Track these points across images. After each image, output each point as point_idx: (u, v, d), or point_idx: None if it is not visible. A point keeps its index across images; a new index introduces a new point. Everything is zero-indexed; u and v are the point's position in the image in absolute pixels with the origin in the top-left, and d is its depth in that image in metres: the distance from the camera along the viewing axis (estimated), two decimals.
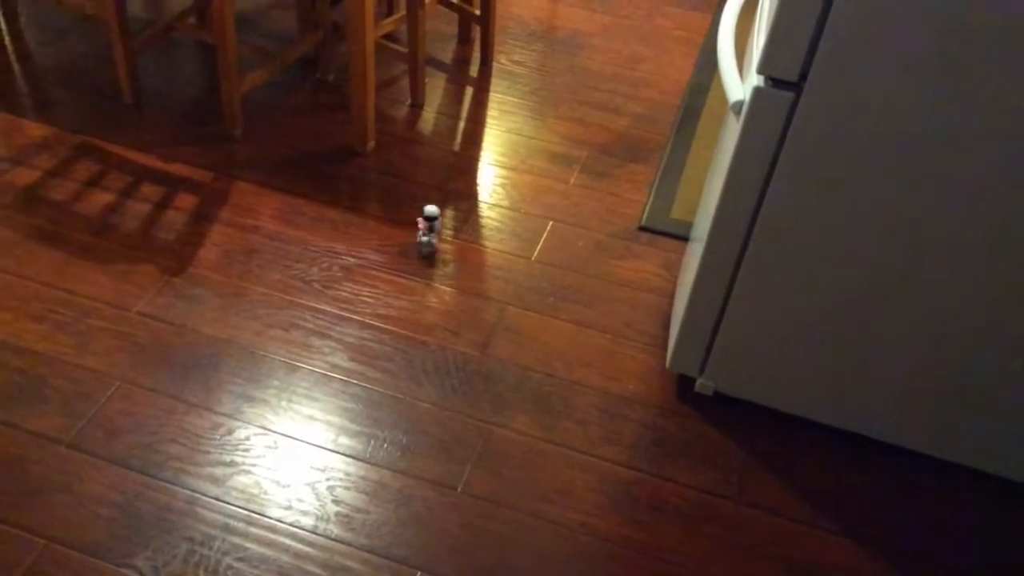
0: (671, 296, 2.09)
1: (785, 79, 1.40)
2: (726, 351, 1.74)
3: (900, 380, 1.66)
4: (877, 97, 1.37)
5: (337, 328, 1.95)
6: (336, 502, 1.63)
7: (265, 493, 1.63)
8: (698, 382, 1.82)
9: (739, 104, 1.49)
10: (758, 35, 1.55)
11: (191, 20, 2.80)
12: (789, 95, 1.42)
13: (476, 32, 2.97)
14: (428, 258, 2.11)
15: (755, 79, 1.44)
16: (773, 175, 1.50)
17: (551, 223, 2.26)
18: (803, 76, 1.39)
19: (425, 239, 2.08)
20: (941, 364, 1.61)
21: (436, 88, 2.72)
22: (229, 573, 1.51)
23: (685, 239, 2.24)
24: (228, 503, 1.61)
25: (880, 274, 1.54)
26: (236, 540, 1.56)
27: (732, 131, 1.59)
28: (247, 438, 1.72)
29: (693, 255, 1.80)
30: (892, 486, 1.75)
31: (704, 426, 1.81)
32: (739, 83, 1.54)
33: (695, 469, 1.73)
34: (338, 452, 1.71)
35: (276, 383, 1.82)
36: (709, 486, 1.71)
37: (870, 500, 1.72)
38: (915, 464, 1.78)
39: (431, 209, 2.07)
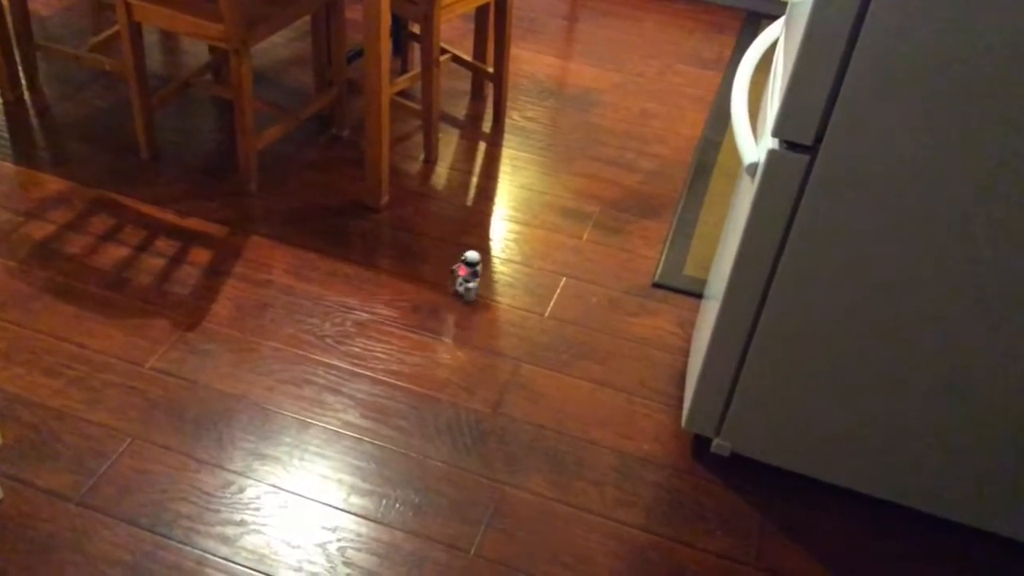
0: (686, 354, 2.08)
1: (800, 142, 1.41)
2: (743, 412, 1.72)
3: (920, 443, 1.64)
4: (892, 160, 1.37)
5: (349, 384, 1.94)
6: (347, 564, 1.60)
7: (275, 554, 1.61)
8: (714, 443, 1.80)
9: (754, 166, 1.50)
10: (772, 97, 1.57)
11: (208, 76, 2.84)
12: (804, 158, 1.42)
13: (489, 89, 3.01)
14: (470, 302, 2.16)
15: (770, 141, 1.45)
16: (789, 236, 1.50)
17: (564, 279, 2.26)
18: (818, 139, 1.40)
19: (471, 285, 2.14)
20: (962, 427, 1.59)
21: (449, 144, 2.75)
22: None
23: (699, 296, 2.23)
24: (238, 564, 1.59)
25: (900, 336, 1.53)
26: None
27: (747, 191, 1.59)
28: (258, 497, 1.70)
29: (708, 313, 1.79)
30: (911, 552, 1.71)
31: (721, 488, 1.79)
32: (753, 145, 1.55)
33: (713, 533, 1.70)
34: (349, 512, 1.69)
35: (288, 440, 1.81)
36: (727, 551, 1.68)
37: (888, 566, 1.68)
38: (934, 529, 1.75)
39: (473, 255, 2.13)
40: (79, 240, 2.25)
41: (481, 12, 2.81)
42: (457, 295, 2.17)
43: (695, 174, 2.67)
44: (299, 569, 1.59)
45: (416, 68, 2.75)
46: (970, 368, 1.52)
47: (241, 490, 1.71)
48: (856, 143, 1.37)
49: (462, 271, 2.14)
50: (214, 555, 1.59)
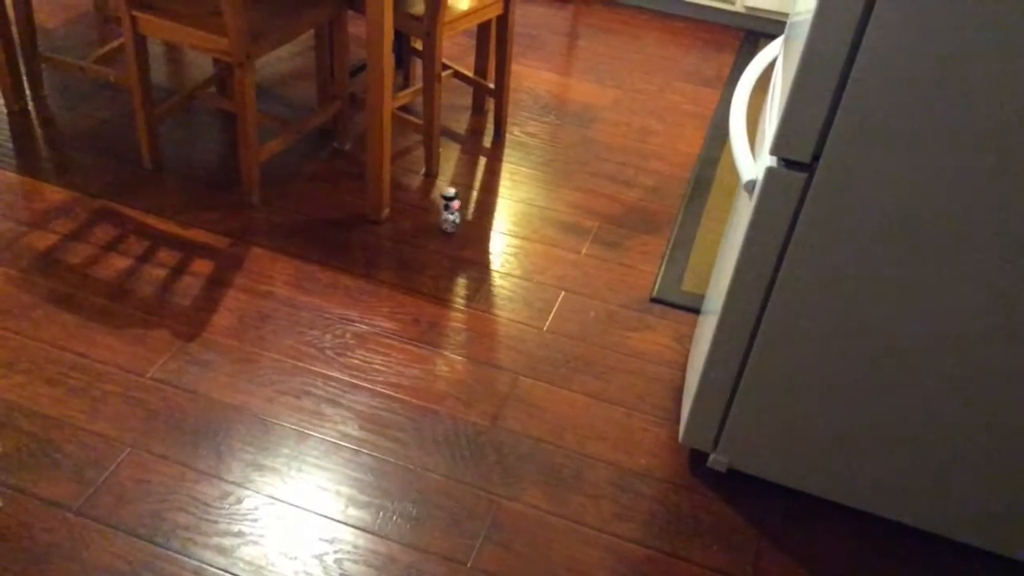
0: (683, 369, 2.09)
1: (798, 160, 1.43)
2: (740, 427, 1.73)
3: (917, 460, 1.64)
4: (889, 178, 1.39)
5: (348, 396, 1.94)
6: None
7: (272, 565, 1.61)
8: (711, 458, 1.81)
9: (752, 183, 1.51)
10: (770, 116, 1.58)
11: (212, 89, 2.86)
12: (801, 176, 1.44)
13: (490, 104, 3.03)
14: (451, 233, 2.43)
15: (768, 159, 1.46)
16: (786, 253, 1.51)
17: (563, 293, 2.27)
18: (816, 157, 1.41)
19: (451, 217, 2.40)
20: (960, 444, 1.60)
21: (450, 158, 2.77)
22: None
23: (697, 311, 2.24)
24: (235, 574, 1.59)
25: (896, 352, 1.54)
26: None
27: (744, 208, 1.61)
28: (256, 508, 1.70)
29: (705, 329, 1.80)
30: (909, 570, 1.72)
31: (718, 503, 1.79)
32: (751, 162, 1.56)
33: (709, 549, 1.71)
34: (347, 524, 1.69)
35: (286, 451, 1.81)
36: (724, 567, 1.68)
37: None
38: (935, 548, 1.76)
39: (450, 190, 2.39)
40: (81, 250, 2.26)
41: (483, 29, 2.84)
42: (452, 229, 2.42)
43: (693, 190, 2.68)
44: None
45: (418, 83, 2.77)
46: (972, 384, 1.53)
47: (239, 501, 1.71)
48: (853, 162, 1.39)
49: (457, 206, 2.39)
50: (212, 566, 1.60)
